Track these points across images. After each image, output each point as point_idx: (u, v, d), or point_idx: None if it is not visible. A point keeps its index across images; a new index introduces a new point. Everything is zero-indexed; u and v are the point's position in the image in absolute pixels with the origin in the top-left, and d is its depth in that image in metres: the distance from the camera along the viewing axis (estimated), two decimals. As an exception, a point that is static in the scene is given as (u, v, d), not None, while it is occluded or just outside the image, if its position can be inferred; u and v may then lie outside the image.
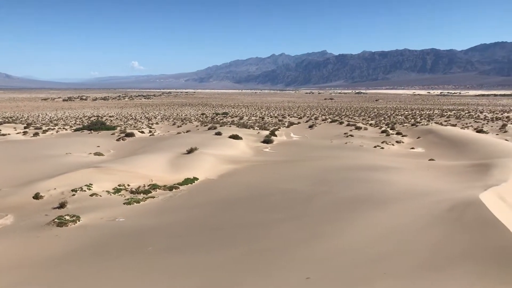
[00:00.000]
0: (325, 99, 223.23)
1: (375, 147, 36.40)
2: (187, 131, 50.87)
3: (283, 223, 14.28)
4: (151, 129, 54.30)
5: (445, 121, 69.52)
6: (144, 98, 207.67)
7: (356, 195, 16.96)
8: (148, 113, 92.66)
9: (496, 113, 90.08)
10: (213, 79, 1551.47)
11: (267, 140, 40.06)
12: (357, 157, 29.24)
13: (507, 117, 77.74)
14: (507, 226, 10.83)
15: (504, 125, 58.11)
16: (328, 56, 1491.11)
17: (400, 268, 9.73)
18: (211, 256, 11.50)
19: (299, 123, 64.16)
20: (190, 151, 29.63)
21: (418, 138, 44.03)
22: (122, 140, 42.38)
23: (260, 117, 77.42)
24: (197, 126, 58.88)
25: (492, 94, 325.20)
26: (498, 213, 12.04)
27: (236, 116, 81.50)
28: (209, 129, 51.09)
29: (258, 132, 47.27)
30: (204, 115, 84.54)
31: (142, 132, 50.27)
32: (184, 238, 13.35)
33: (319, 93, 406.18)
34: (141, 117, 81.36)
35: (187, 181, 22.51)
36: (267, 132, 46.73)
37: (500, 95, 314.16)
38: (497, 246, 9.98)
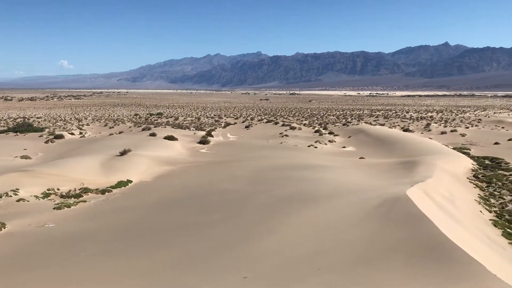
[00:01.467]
0: (260, 99, 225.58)
1: (309, 146, 37.28)
2: (120, 132, 49.49)
3: (220, 223, 14.29)
4: (82, 131, 52.32)
5: (374, 120, 72.58)
6: (74, 99, 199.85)
7: (291, 193, 17.31)
8: (78, 114, 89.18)
9: (421, 113, 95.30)
10: (147, 79, 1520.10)
11: (203, 141, 39.87)
12: (292, 157, 29.82)
13: (431, 116, 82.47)
14: (432, 220, 11.50)
15: (428, 124, 61.58)
16: (263, 57, 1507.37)
17: (335, 264, 10.04)
18: (148, 259, 11.28)
19: (235, 123, 64.42)
20: (123, 153, 28.87)
21: (349, 137, 45.61)
22: (51, 142, 40.49)
23: (196, 118, 76.89)
24: (130, 127, 57.46)
25: (417, 95, 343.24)
26: (424, 208, 12.76)
27: (171, 117, 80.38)
28: (143, 130, 50.02)
29: (194, 133, 46.93)
30: (138, 116, 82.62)
31: (72, 133, 48.31)
32: (119, 242, 12.99)
33: (255, 94, 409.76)
34: (71, 118, 78.12)
35: (121, 184, 21.92)
36: (203, 133, 46.52)
37: (424, 95, 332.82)
38: (423, 239, 10.57)
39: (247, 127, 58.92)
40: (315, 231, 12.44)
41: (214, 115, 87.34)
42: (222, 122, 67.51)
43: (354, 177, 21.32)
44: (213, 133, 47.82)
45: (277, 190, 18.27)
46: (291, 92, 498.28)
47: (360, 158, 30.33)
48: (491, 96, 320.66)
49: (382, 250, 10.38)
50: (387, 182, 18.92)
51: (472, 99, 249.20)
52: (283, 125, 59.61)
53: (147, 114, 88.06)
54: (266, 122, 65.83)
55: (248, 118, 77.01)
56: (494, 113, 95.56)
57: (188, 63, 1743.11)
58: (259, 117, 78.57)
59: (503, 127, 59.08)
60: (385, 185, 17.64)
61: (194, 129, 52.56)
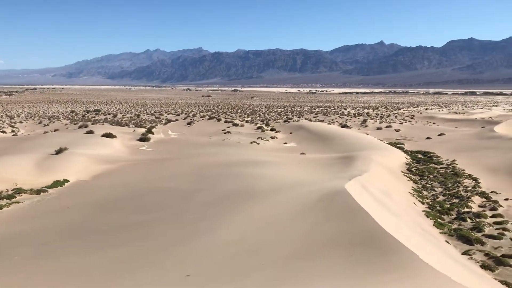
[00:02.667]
0: (202, 96, 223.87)
1: (251, 143, 37.56)
2: (55, 130, 47.46)
3: (162, 221, 14.10)
4: (14, 129, 49.65)
5: (314, 117, 74.17)
6: (5, 95, 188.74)
7: (234, 190, 17.38)
8: (10, 111, 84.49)
9: (358, 110, 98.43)
10: (84, 74, 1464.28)
11: (143, 138, 39.09)
12: (235, 153, 29.92)
13: (367, 113, 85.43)
14: (369, 213, 11.96)
15: (365, 120, 63.80)
16: (204, 53, 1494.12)
17: (277, 258, 10.20)
18: (86, 260, 10.94)
19: (177, 120, 63.57)
20: (59, 151, 27.74)
21: (290, 133, 46.37)
22: (-21, 141, 38.13)
23: (135, 114, 75.10)
24: (66, 124, 55.25)
25: (354, 92, 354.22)
26: (362, 201, 13.23)
27: (109, 114, 78.06)
28: (79, 127, 48.30)
29: (134, 130, 45.89)
30: (74, 113, 79.54)
31: (4, 132, 45.74)
32: (56, 244, 12.50)
33: (196, 90, 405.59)
34: (1, 115, 73.93)
35: (57, 183, 21.06)
36: (143, 130, 45.58)
37: (361, 92, 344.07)
38: (361, 231, 10.97)
39: (188, 124, 58.36)
40: (258, 226, 12.58)
41: (155, 111, 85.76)
42: (163, 119, 66.43)
43: (295, 172, 21.72)
44: (153, 130, 46.96)
45: (220, 187, 18.28)
46: (233, 88, 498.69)
47: (301, 153, 30.92)
48: (423, 93, 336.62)
49: (322, 243, 10.67)
50: (326, 177, 19.42)
51: (405, 96, 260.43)
52: (225, 121, 59.61)
53: (84, 111, 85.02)
54: (208, 119, 65.53)
55: (190, 114, 76.31)
56: (426, 109, 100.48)
57: (127, 58, 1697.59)
58: (201, 114, 78.09)
59: (434, 123, 62.27)
60: (324, 180, 18.11)
61: (133, 126, 51.37)
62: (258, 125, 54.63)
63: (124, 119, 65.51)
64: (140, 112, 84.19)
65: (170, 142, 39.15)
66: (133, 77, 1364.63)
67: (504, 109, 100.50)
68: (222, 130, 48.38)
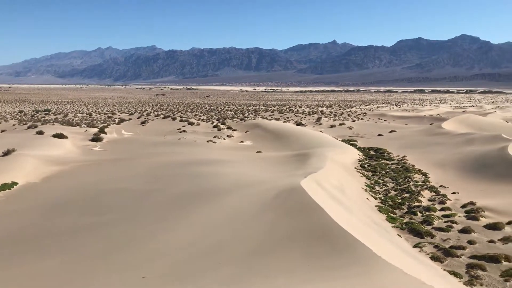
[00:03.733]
0: (156, 94, 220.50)
1: (207, 141, 37.37)
2: (2, 131, 45.45)
3: (117, 223, 13.81)
4: (-44, 130, 47.24)
5: (270, 115, 74.65)
6: None
7: (191, 189, 17.24)
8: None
9: (312, 108, 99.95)
10: (32, 73, 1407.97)
11: (96, 138, 38.07)
12: (191, 152, 29.68)
13: (321, 111, 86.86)
14: (324, 209, 12.18)
15: (319, 118, 64.85)
16: (158, 51, 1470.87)
17: (234, 256, 10.22)
18: (39, 265, 10.55)
19: (130, 119, 62.31)
20: (7, 153, 26.60)
21: (246, 132, 46.49)
22: None
23: (87, 114, 73.03)
24: (14, 125, 52.99)
25: (308, 91, 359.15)
26: (317, 197, 13.45)
27: (60, 113, 75.53)
28: (28, 128, 46.44)
29: (86, 130, 44.62)
30: (23, 113, 76.44)
31: None
32: (5, 249, 11.98)
33: (150, 89, 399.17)
34: None
35: (5, 186, 20.17)
36: (96, 130, 44.38)
37: (315, 91, 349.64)
38: (317, 227, 11.16)
39: (143, 123, 57.36)
40: (215, 225, 12.55)
41: (107, 111, 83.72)
42: (116, 118, 64.94)
43: (252, 171, 21.80)
44: (106, 130, 45.82)
45: (176, 187, 18.08)
46: (188, 87, 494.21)
47: (257, 152, 31.08)
48: (374, 91, 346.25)
49: (279, 240, 10.77)
50: (282, 174, 19.61)
51: (358, 94, 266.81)
52: (180, 120, 58.98)
53: (33, 111, 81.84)
54: (163, 118, 64.64)
55: (144, 113, 75.01)
56: (377, 107, 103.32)
57: (78, 56, 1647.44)
58: (156, 113, 76.94)
59: (385, 120, 64.09)
60: (281, 177, 18.28)
61: (85, 126, 49.96)
62: (214, 123, 54.43)
63: (76, 119, 63.60)
64: (92, 111, 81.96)
65: (123, 142, 38.36)
66: (84, 75, 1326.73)
67: (451, 106, 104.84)
68: (178, 129, 47.86)
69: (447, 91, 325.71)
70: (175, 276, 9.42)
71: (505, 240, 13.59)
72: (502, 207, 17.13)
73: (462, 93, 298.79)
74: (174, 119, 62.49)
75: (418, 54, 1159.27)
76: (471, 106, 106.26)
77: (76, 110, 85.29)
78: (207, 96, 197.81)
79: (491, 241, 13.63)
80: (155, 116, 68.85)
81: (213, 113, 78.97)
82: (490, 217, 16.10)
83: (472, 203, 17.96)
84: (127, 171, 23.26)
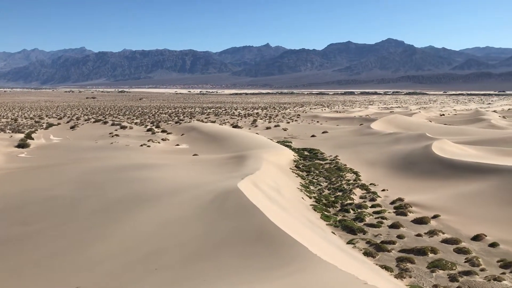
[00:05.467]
0: (87, 98, 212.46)
1: (141, 145, 36.54)
2: None
3: (47, 232, 13.16)
4: None
5: (206, 118, 74.31)
6: None
7: (126, 195, 16.79)
8: None
9: (248, 110, 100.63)
10: None
11: (22, 144, 36.08)
12: (125, 157, 28.89)
13: (257, 113, 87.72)
14: (261, 210, 12.32)
15: (255, 120, 65.45)
16: (87, 53, 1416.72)
17: (171, 262, 10.09)
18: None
19: (59, 124, 59.63)
20: None
21: (182, 135, 45.95)
22: None
23: (12, 119, 68.92)
24: None
25: (243, 93, 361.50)
26: (254, 199, 13.58)
27: (-20, 119, 70.87)
28: None
29: (11, 136, 42.16)
30: None
31: None
32: None
33: (80, 92, 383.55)
34: None
35: None
36: (22, 136, 42.07)
37: (250, 93, 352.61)
38: (255, 228, 11.27)
39: (72, 127, 55.09)
40: (152, 231, 12.32)
41: (34, 115, 79.57)
42: (43, 123, 61.90)
43: (189, 174, 21.60)
44: (33, 135, 43.53)
45: (110, 193, 17.54)
46: (120, 89, 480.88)
47: (193, 155, 30.83)
48: (307, 93, 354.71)
49: (217, 243, 10.77)
50: (220, 177, 19.60)
51: (291, 96, 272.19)
52: (113, 124, 57.25)
53: (-51, 116, 76.16)
54: (94, 122, 62.44)
55: (74, 118, 72.05)
56: (310, 109, 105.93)
57: (1, 58, 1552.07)
58: (86, 117, 74.16)
59: (318, 121, 65.85)
60: (218, 180, 18.26)
61: (10, 131, 47.17)
62: (148, 127, 53.33)
63: (-2, 124, 59.91)
64: (17, 116, 77.51)
65: (52, 147, 36.64)
66: (8, 79, 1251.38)
67: (379, 107, 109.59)
68: (110, 133, 46.39)
69: (375, 93, 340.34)
70: (110, 284, 9.14)
71: (431, 233, 14.42)
72: (428, 202, 18.16)
73: (389, 94, 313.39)
74: (105, 123, 60.56)
75: (347, 57, 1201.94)
76: (397, 107, 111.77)
77: (0, 115, 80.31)
78: (140, 99, 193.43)
79: (419, 235, 14.40)
80: (86, 120, 66.39)
81: (147, 116, 77.38)
82: (417, 212, 17.00)
83: (400, 199, 18.87)
84: (56, 178, 22.23)
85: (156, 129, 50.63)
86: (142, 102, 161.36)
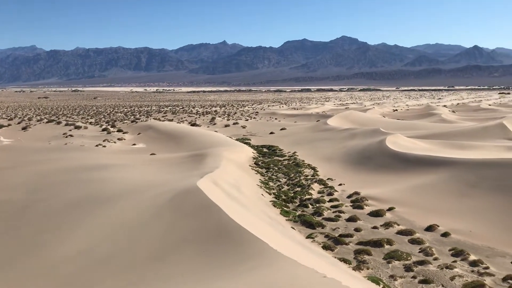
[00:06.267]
0: (38, 97, 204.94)
1: (97, 146, 35.67)
2: None
3: (-3, 239, 12.67)
4: None
5: (163, 116, 73.32)
6: None
7: (81, 197, 16.37)
8: None
9: (206, 108, 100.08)
10: None
11: (-32, 147, 34.51)
12: (79, 158, 28.12)
13: (215, 111, 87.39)
14: (221, 208, 12.31)
15: (213, 118, 65.16)
16: (38, 51, 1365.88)
17: (131, 263, 9.94)
18: None
19: (9, 125, 57.33)
20: None
21: (138, 134, 45.18)
22: None
23: (-44, 121, 65.87)
24: None
25: (201, 91, 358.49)
26: (214, 197, 13.55)
27: None
28: None
29: (-44, 138, 40.25)
30: None
31: None
32: None
33: (31, 92, 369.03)
34: None
35: None
36: (-33, 138, 40.22)
37: (208, 91, 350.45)
38: (215, 226, 11.25)
39: (24, 128, 53.10)
40: (109, 233, 12.08)
41: (-19, 116, 76.17)
42: (-8, 124, 59.38)
43: (146, 174, 21.30)
44: (-19, 137, 41.72)
45: (64, 195, 17.04)
46: (73, 89, 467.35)
47: (151, 154, 30.39)
48: (265, 91, 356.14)
49: (176, 243, 10.69)
50: (178, 176, 19.43)
51: (249, 94, 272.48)
52: (66, 124, 55.56)
53: None
54: (47, 122, 60.41)
55: (25, 118, 69.46)
56: (268, 106, 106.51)
57: None
58: (38, 117, 71.64)
59: (276, 118, 66.34)
60: (176, 179, 18.10)
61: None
62: (104, 126, 52.13)
63: None
64: (-38, 117, 73.98)
65: (3, 149, 35.20)
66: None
67: (335, 104, 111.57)
68: (63, 134, 45.02)
69: (331, 90, 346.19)
70: (67, 289, 8.91)
71: (386, 225, 14.85)
72: (383, 195, 18.68)
73: (344, 91, 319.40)
74: (59, 123, 58.73)
75: (303, 54, 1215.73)
76: (352, 103, 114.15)
77: None
78: (94, 98, 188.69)
79: (375, 227, 14.80)
80: (38, 121, 64.15)
81: (102, 116, 75.63)
82: (373, 205, 17.46)
83: (357, 193, 19.32)
84: (7, 181, 21.38)
85: (111, 129, 49.56)
86: (97, 101, 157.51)
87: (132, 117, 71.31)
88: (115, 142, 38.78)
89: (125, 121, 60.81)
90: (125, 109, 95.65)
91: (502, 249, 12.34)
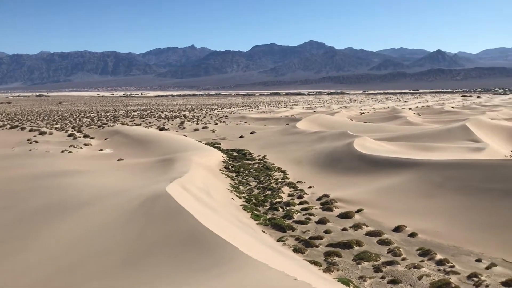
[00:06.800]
0: (1, 103, 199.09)
1: (63, 151, 34.84)
2: None
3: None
4: None
5: (130, 121, 72.28)
6: None
7: (46, 204, 15.94)
8: None
9: (175, 112, 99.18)
10: None
11: None
12: (45, 164, 27.39)
13: (184, 115, 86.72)
14: (191, 213, 12.21)
15: (182, 123, 64.66)
16: (0, 55, 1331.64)
17: (100, 270, 9.74)
18: None
19: (-32, 131, 55.47)
20: None
21: (106, 139, 44.39)
22: None
23: None
24: None
25: (169, 95, 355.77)
26: (183, 202, 13.42)
27: None
28: None
29: None
30: None
31: None
32: None
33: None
34: None
35: None
36: None
37: (177, 95, 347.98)
38: (185, 232, 11.15)
39: (-15, 135, 51.44)
40: (76, 240, 11.81)
41: None
42: (-50, 130, 57.24)
43: (115, 180, 20.93)
44: None
45: (28, 202, 16.55)
46: (38, 93, 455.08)
47: (119, 159, 29.89)
48: (234, 94, 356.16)
49: (147, 248, 10.54)
50: (147, 181, 19.19)
51: (218, 98, 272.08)
52: (31, 130, 54.08)
53: None
54: (10, 128, 58.67)
55: (-14, 124, 67.30)
56: (238, 110, 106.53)
57: None
58: (1, 123, 69.52)
59: (245, 122, 66.40)
60: (145, 184, 17.87)
61: None
62: (70, 132, 50.98)
63: None
64: None
65: (-38, 156, 33.93)
66: None
67: (303, 107, 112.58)
68: (28, 140, 43.79)
69: (299, 93, 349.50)
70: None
71: (356, 227, 15.06)
72: (352, 197, 18.95)
73: (313, 95, 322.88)
74: (23, 129, 57.11)
75: (272, 59, 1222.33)
76: (320, 107, 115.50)
77: None
78: (60, 103, 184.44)
79: (344, 229, 14.99)
80: (1, 127, 62.24)
81: (68, 121, 74.00)
82: (342, 207, 17.68)
83: (326, 195, 19.52)
84: (-33, 189, 20.61)
85: (78, 134, 48.54)
86: (62, 106, 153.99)
87: (99, 122, 70.04)
88: (81, 148, 38.00)
89: (92, 126, 59.67)
90: (92, 114, 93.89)
91: (466, 247, 12.69)
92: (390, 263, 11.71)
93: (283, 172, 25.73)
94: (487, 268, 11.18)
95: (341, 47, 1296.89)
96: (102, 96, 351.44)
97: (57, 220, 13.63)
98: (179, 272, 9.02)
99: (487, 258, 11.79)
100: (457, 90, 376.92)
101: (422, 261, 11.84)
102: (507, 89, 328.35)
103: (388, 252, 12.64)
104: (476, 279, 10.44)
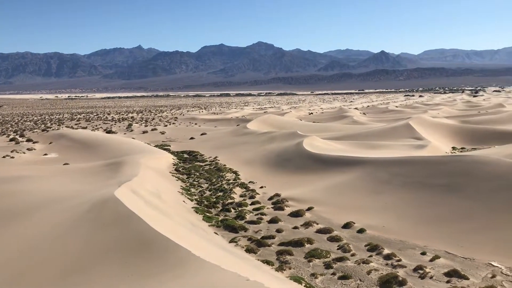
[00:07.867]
0: None
1: (4, 157, 33.29)
2: None
3: None
4: None
5: (76, 124, 70.04)
6: None
7: (-14, 213, 15.17)
8: None
9: (122, 114, 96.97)
10: None
11: None
12: (-17, 171, 26.07)
13: (132, 117, 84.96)
14: (141, 217, 12.01)
15: (130, 125, 63.28)
16: None
17: (45, 280, 9.40)
18: None
19: None
20: None
21: (50, 143, 42.81)
22: None
23: None
24: None
25: (117, 97, 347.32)
26: (133, 206, 13.18)
27: None
28: None
29: None
30: None
31: None
32: None
33: None
34: None
35: None
36: None
37: (124, 97, 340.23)
38: (135, 236, 10.95)
39: None
40: (24, 247, 11.34)
41: None
42: None
43: (60, 185, 20.22)
44: None
45: (-33, 211, 15.69)
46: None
47: (64, 164, 28.91)
48: (183, 96, 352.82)
49: (95, 255, 10.28)
50: (95, 186, 18.68)
51: (168, 99, 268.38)
52: (-33, 135, 51.35)
53: None
54: None
55: None
56: (188, 111, 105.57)
57: None
58: None
59: (196, 123, 65.94)
60: (93, 189, 17.39)
61: None
62: (11, 136, 48.78)
63: None
64: None
65: None
66: None
67: (254, 108, 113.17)
68: (-36, 146, 41.57)
69: (250, 94, 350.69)
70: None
71: (306, 225, 15.33)
72: (302, 195, 19.27)
73: (263, 95, 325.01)
74: (-42, 134, 54.05)
75: (221, 59, 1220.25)
76: (270, 107, 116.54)
77: None
78: (0, 106, 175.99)
79: (295, 227, 15.21)
80: None
81: (9, 125, 70.74)
82: (293, 206, 17.93)
83: (277, 195, 19.73)
84: None
85: (20, 139, 46.51)
86: (3, 109, 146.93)
87: (43, 125, 67.37)
88: (24, 153, 36.45)
89: (35, 130, 57.29)
90: (35, 118, 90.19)
91: (412, 241, 13.22)
92: (340, 259, 12.01)
93: (235, 173, 25.77)
94: (431, 260, 11.69)
95: (289, 48, 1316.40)
96: (46, 98, 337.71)
97: (2, 228, 13.03)
98: (131, 277, 8.85)
99: (431, 251, 12.32)
100: (400, 90, 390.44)
101: (371, 256, 12.22)
102: (446, 89, 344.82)
103: (338, 249, 12.95)
104: (421, 271, 10.90)
